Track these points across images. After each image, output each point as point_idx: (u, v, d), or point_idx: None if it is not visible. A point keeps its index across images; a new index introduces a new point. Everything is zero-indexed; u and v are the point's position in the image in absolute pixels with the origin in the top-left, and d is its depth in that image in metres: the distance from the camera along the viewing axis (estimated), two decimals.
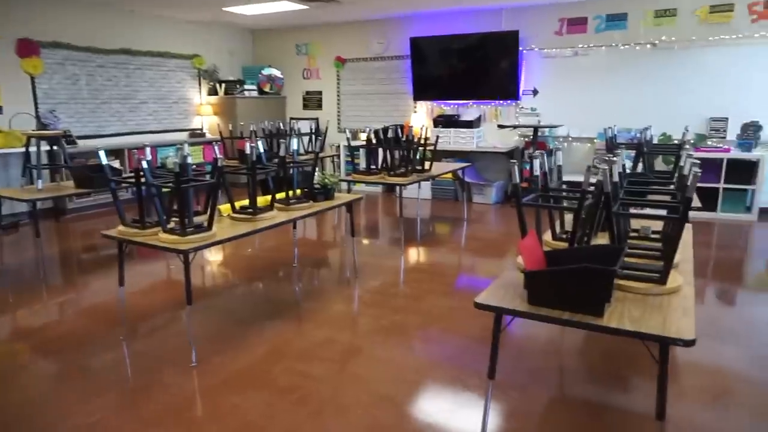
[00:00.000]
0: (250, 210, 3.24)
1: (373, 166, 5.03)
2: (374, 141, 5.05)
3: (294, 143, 3.72)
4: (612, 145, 4.39)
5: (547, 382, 2.58)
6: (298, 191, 3.74)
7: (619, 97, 6.51)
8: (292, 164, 3.63)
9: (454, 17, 7.33)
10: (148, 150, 2.81)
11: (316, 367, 2.72)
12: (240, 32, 8.82)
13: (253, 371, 2.69)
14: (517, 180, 2.18)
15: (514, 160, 2.31)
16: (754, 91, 5.84)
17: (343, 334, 3.10)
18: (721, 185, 5.81)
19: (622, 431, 2.19)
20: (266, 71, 8.60)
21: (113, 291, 3.81)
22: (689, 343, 1.51)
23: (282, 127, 6.32)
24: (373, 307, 3.51)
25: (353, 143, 7.96)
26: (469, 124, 7.14)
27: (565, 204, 2.61)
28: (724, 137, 5.98)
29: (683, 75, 6.16)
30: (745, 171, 5.74)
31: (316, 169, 3.77)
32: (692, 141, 5.88)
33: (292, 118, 8.75)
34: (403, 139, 5.10)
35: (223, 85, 8.17)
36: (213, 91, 8.27)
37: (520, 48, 6.88)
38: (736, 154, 5.77)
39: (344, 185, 5.49)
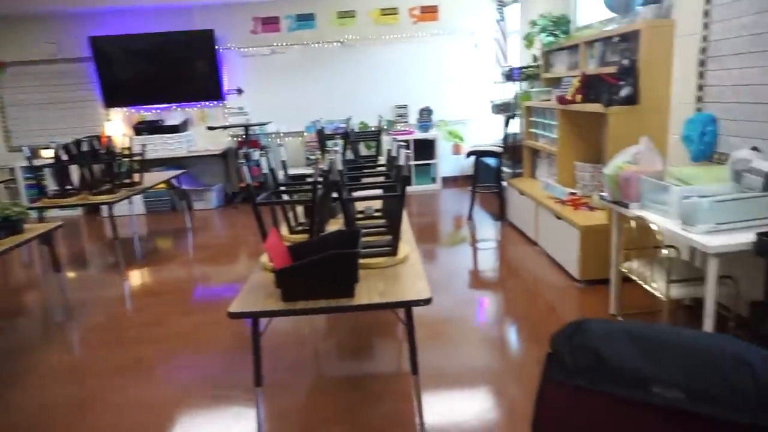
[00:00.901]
0: None
1: (69, 187, 4.31)
2: (65, 157, 4.31)
3: None
4: (322, 136, 4.68)
5: (307, 371, 2.63)
6: None
7: (319, 92, 6.96)
8: None
9: (140, 15, 6.72)
10: None
11: None
12: None
13: None
14: (250, 180, 2.13)
15: (242, 161, 2.26)
16: (422, 81, 6.95)
17: (69, 388, 2.59)
18: (412, 162, 6.78)
19: (386, 393, 2.38)
20: None
21: None
22: (428, 302, 1.71)
23: None
24: (101, 347, 3.02)
25: (35, 163, 6.68)
26: (175, 129, 6.71)
27: (295, 197, 2.66)
28: (407, 121, 6.98)
29: (369, 69, 6.93)
30: (427, 149, 6.80)
31: None
32: (385, 126, 6.69)
33: None
34: (103, 151, 4.49)
35: None
36: None
37: (218, 47, 6.74)
38: (418, 135, 6.80)
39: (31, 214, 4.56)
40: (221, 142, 6.97)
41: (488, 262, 4.17)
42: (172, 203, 6.72)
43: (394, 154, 2.75)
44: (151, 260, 4.68)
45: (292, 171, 6.14)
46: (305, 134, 6.98)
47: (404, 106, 6.98)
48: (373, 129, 6.40)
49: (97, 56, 6.69)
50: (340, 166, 2.20)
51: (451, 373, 2.52)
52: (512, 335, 2.92)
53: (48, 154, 6.85)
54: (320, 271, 1.74)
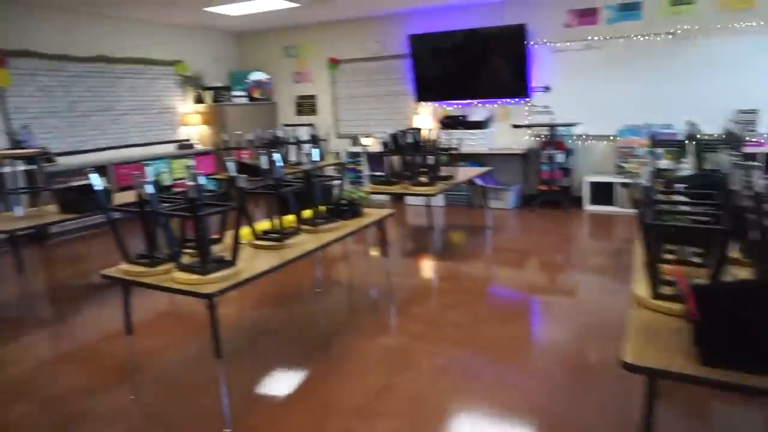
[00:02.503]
0: (275, 235, 2.75)
1: (379, 173, 4.58)
2: (390, 147, 4.59)
3: (315, 153, 3.24)
4: (656, 142, 4.01)
5: None
6: (321, 208, 3.25)
7: (638, 92, 6.14)
8: (318, 177, 3.14)
9: (453, 12, 6.91)
10: (149, 170, 2.32)
11: (380, 427, 2.24)
12: (224, 36, 8.28)
13: None
14: (648, 185, 1.74)
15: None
16: None
17: (399, 378, 2.63)
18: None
19: None
20: (254, 76, 8.08)
21: (115, 333, 3.27)
22: None
23: (280, 136, 5.82)
24: (422, 340, 3.04)
25: (352, 149, 7.50)
26: (478, 125, 6.72)
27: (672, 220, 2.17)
28: (756, 130, 5.66)
29: (706, 65, 5.83)
30: None
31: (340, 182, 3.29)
32: (724, 135, 5.55)
33: (285, 125, 8.23)
34: (423, 144, 4.66)
35: (210, 92, 7.62)
36: (199, 99, 7.71)
37: (529, 42, 6.50)
38: None
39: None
40: (522, 141, 6.74)
41: None
42: (469, 199, 6.79)
43: None
44: (455, 254, 4.70)
45: (597, 178, 5.52)
46: (614, 138, 6.27)
47: (753, 112, 5.68)
48: (716, 137, 5.34)
49: (414, 53, 7.11)
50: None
51: None
52: None
53: (366, 141, 7.62)
54: None
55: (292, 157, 6.04)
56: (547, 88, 6.56)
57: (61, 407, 2.49)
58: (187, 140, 7.64)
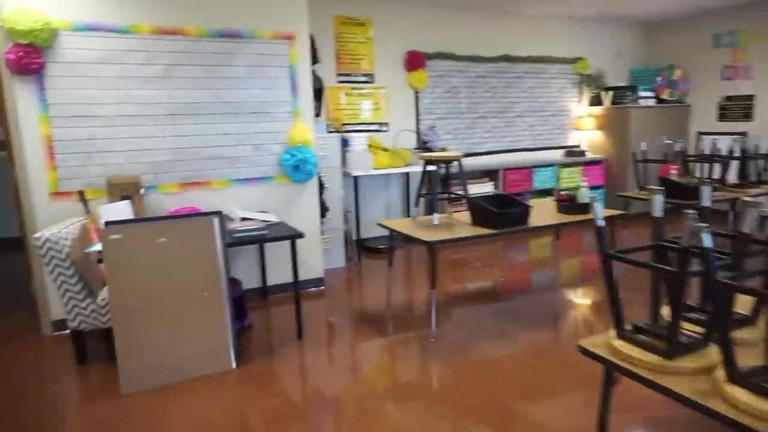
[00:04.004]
0: None
1: None
2: None
3: None
4: None
5: None
6: None
7: None
8: None
9: None
10: (656, 199, 1.45)
11: None
12: (631, 27, 7.10)
13: None
14: None
15: None
16: None
17: None
18: None
19: None
20: (666, 73, 6.67)
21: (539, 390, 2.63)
22: None
23: (717, 147, 4.39)
24: None
25: None
26: None
27: None
28: None
29: None
30: None
31: None
32: None
33: (700, 133, 6.60)
34: None
35: (610, 93, 6.60)
36: (596, 101, 6.78)
37: None
38: None
39: None
40: None
41: None
42: None
43: None
44: None
45: None
46: None
47: None
48: None
49: None
50: None
51: None
52: None
53: None
54: None
55: (715, 175, 4.57)
56: None
57: None
58: (578, 146, 6.83)
